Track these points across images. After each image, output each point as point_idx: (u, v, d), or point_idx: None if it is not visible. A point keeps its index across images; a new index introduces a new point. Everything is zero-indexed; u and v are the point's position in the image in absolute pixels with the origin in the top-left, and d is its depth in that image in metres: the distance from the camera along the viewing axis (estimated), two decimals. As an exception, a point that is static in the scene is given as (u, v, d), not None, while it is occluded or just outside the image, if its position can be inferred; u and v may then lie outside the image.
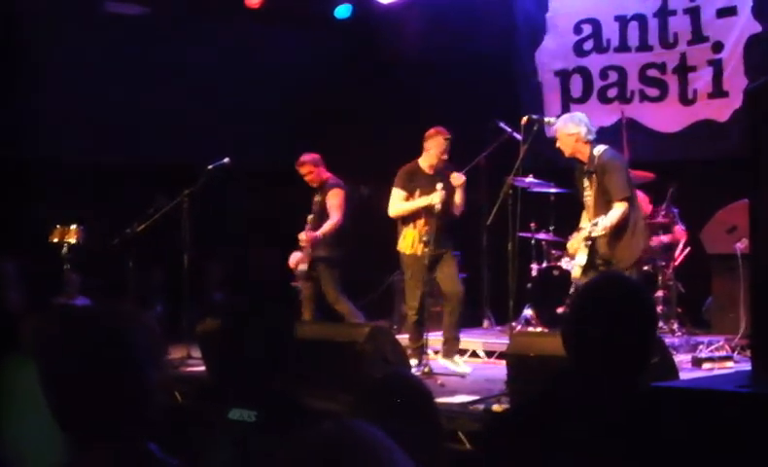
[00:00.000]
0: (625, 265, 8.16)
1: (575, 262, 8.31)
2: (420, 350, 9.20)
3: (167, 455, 2.42)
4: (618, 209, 8.03)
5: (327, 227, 10.02)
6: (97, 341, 2.36)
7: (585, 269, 8.08)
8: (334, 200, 10.17)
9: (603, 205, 8.09)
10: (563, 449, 2.85)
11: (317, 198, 10.26)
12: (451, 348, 9.29)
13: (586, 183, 8.36)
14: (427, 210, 9.20)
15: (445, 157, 9.27)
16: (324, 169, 10.33)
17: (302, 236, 10.07)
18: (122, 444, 2.33)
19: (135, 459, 2.33)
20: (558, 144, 8.47)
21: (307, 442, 1.65)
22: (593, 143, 8.33)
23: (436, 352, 9.94)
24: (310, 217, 10.20)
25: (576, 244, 8.29)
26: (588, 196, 8.35)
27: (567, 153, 8.43)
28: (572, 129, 8.33)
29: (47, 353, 2.42)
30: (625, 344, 2.98)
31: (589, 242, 8.07)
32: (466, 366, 9.21)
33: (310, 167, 10.24)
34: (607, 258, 8.13)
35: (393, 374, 3.54)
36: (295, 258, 10.22)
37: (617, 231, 8.09)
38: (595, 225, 7.89)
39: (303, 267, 10.12)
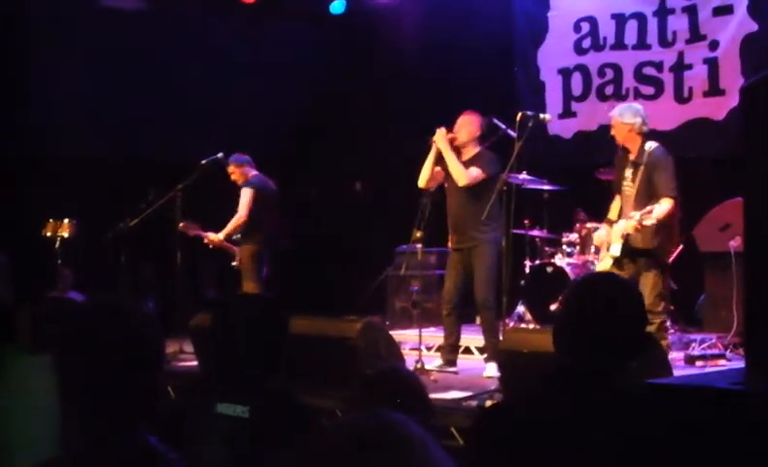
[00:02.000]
0: (663, 256, 8.25)
1: (609, 252, 8.32)
2: (449, 348, 9.15)
3: (167, 448, 2.42)
4: (667, 204, 8.06)
5: (229, 225, 10.33)
6: (113, 334, 2.37)
7: (617, 261, 8.15)
8: (242, 199, 10.34)
9: (645, 199, 8.11)
10: (552, 444, 2.84)
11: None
12: (488, 353, 9.00)
13: (628, 173, 8.39)
14: (449, 203, 9.15)
15: (457, 142, 9.08)
16: (250, 168, 10.49)
17: (210, 238, 10.39)
18: (123, 436, 2.33)
19: (136, 452, 2.33)
20: (612, 131, 8.52)
21: (342, 431, 1.64)
22: (645, 136, 8.38)
23: (429, 348, 9.96)
24: None
25: (603, 236, 8.36)
26: (629, 187, 8.37)
27: (618, 140, 8.50)
28: (628, 119, 8.40)
29: (63, 345, 2.43)
30: (615, 342, 2.98)
31: (626, 234, 8.11)
32: (491, 371, 8.68)
33: (233, 168, 10.48)
34: (642, 251, 8.14)
35: (387, 369, 3.53)
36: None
37: (659, 227, 8.13)
38: (649, 212, 7.88)
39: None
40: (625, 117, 8.45)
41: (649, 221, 7.91)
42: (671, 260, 10.19)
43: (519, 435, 2.93)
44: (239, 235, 10.38)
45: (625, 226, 8.13)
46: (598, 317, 3.00)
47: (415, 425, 1.63)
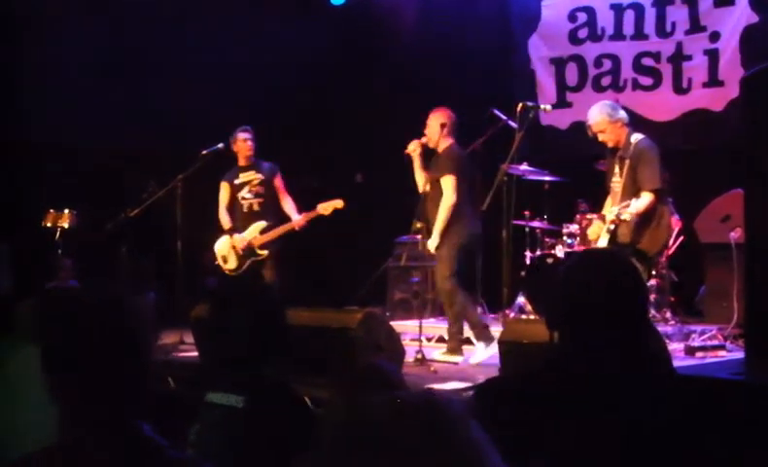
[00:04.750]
0: (649, 251, 8.21)
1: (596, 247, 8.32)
2: (449, 336, 9.16)
3: (160, 436, 2.42)
4: (647, 198, 8.04)
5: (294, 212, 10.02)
6: (98, 323, 2.37)
7: None
8: (282, 182, 10.18)
9: (632, 194, 8.08)
10: (546, 422, 2.83)
11: (258, 176, 10.14)
12: (449, 344, 9.10)
13: (616, 169, 8.36)
14: (428, 204, 9.11)
15: (427, 140, 9.15)
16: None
17: (299, 221, 9.93)
18: (115, 424, 2.33)
19: (127, 439, 2.33)
20: (603, 136, 8.40)
21: (398, 407, 1.67)
22: (630, 129, 8.35)
23: (429, 339, 9.96)
24: (254, 198, 10.15)
25: (598, 231, 8.32)
26: (616, 182, 8.35)
27: (614, 139, 8.38)
28: (614, 116, 8.34)
29: (48, 335, 2.44)
30: (614, 320, 2.93)
31: (612, 227, 8.08)
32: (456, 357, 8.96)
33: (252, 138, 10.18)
34: (626, 245, 8.12)
35: (369, 365, 3.53)
36: (240, 242, 10.09)
37: (643, 220, 8.09)
38: (626, 206, 7.86)
39: (263, 251, 10.06)
40: (611, 115, 8.40)
41: (626, 215, 7.88)
42: (670, 252, 10.22)
43: (513, 409, 2.91)
44: (266, 223, 10.05)
45: (608, 220, 8.14)
46: (596, 295, 2.96)
47: (460, 406, 1.67)
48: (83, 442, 2.31)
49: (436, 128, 9.07)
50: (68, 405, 2.37)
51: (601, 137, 8.41)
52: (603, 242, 8.14)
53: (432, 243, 8.88)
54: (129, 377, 2.39)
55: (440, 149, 9.09)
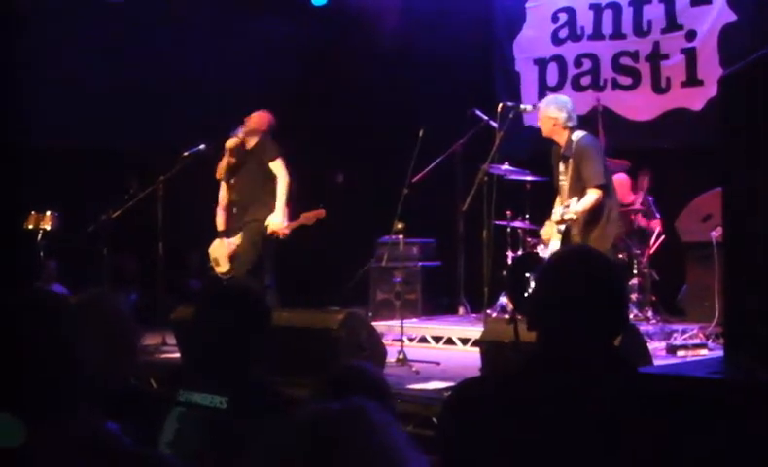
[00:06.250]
0: (600, 248, 8.21)
1: (549, 249, 8.34)
2: None
3: (124, 435, 2.39)
4: (592, 195, 8.05)
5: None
6: (20, 326, 2.33)
7: None
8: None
9: (577, 191, 8.11)
10: (525, 423, 2.83)
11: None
12: None
13: (562, 167, 8.39)
14: None
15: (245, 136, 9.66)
16: None
17: (283, 229, 9.72)
18: (69, 424, 2.29)
19: (83, 439, 2.29)
20: (538, 122, 8.53)
21: (306, 419, 1.70)
22: (572, 129, 8.35)
23: (412, 339, 9.97)
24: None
25: (550, 231, 8.33)
26: (563, 180, 8.38)
27: (544, 133, 8.49)
28: (552, 113, 8.38)
29: None
30: (592, 319, 2.92)
31: (562, 227, 8.09)
32: None
33: None
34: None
35: (350, 366, 3.53)
36: (230, 247, 9.80)
37: (591, 218, 8.10)
38: (567, 207, 7.89)
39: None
40: (550, 109, 8.44)
41: (568, 215, 7.92)
42: (651, 251, 10.27)
43: (493, 410, 2.91)
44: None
45: (553, 220, 8.19)
46: (575, 293, 2.95)
47: (380, 410, 1.69)
48: (39, 444, 2.27)
49: (262, 126, 9.57)
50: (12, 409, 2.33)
51: (538, 122, 8.55)
52: (555, 244, 8.16)
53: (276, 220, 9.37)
54: (64, 376, 2.33)
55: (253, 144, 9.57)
